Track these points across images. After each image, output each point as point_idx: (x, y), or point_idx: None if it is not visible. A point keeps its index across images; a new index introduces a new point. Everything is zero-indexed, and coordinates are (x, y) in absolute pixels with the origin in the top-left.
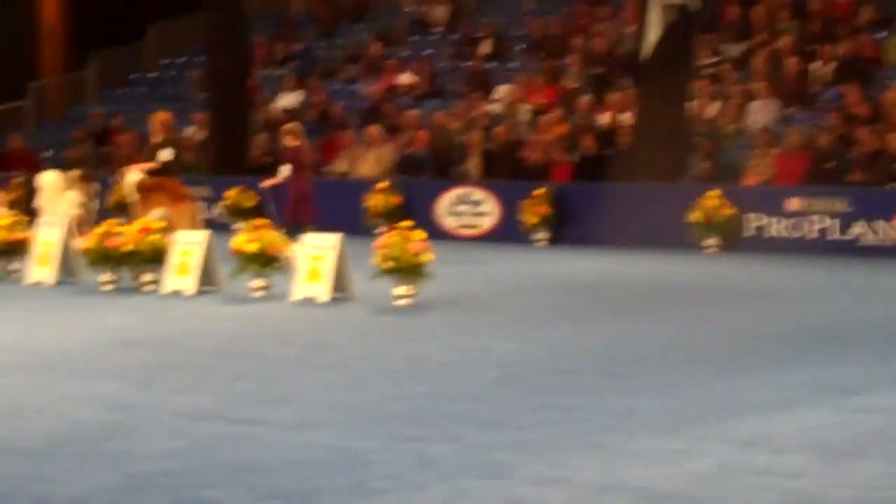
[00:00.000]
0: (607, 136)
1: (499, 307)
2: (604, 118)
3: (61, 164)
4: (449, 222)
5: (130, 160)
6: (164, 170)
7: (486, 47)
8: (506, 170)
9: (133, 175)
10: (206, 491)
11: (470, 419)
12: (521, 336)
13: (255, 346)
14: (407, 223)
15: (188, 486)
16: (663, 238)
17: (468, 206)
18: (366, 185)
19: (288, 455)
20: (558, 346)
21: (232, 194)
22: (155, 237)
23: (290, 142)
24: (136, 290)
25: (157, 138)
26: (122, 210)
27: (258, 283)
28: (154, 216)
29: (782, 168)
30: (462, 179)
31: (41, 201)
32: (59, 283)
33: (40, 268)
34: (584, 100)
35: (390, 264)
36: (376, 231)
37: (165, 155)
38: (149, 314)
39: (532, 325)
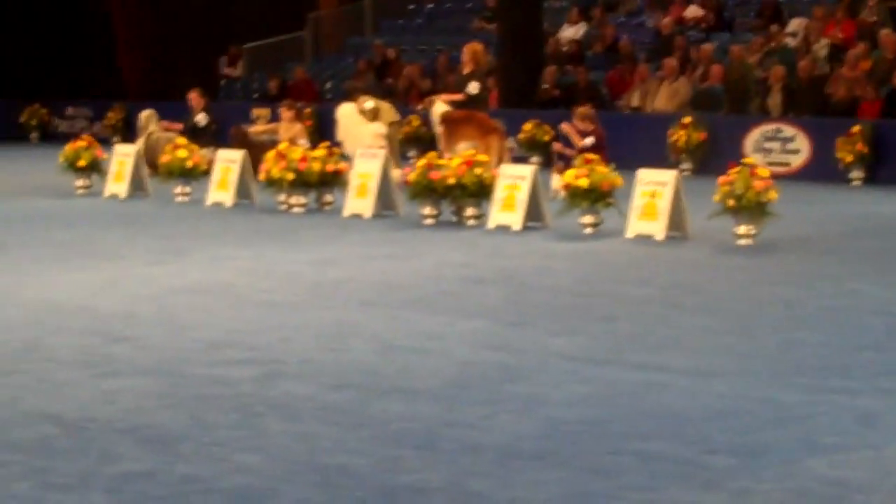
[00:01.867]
0: None
1: (844, 249)
2: None
3: (345, 96)
4: (757, 159)
5: (415, 92)
6: (472, 101)
7: None
8: (809, 105)
9: (440, 107)
10: (642, 443)
11: (891, 372)
12: (889, 281)
13: (611, 286)
14: (750, 160)
15: (621, 437)
16: None
17: (777, 143)
18: (666, 119)
19: (712, 405)
20: None
21: (528, 127)
22: (479, 171)
23: (584, 126)
24: (457, 224)
25: (466, 69)
26: (414, 142)
27: (588, 219)
28: (461, 149)
29: None
30: (765, 115)
31: (341, 134)
32: (377, 215)
33: (357, 200)
34: (886, 34)
35: (732, 202)
36: (680, 167)
37: (473, 87)
38: (483, 250)
39: (893, 269)
